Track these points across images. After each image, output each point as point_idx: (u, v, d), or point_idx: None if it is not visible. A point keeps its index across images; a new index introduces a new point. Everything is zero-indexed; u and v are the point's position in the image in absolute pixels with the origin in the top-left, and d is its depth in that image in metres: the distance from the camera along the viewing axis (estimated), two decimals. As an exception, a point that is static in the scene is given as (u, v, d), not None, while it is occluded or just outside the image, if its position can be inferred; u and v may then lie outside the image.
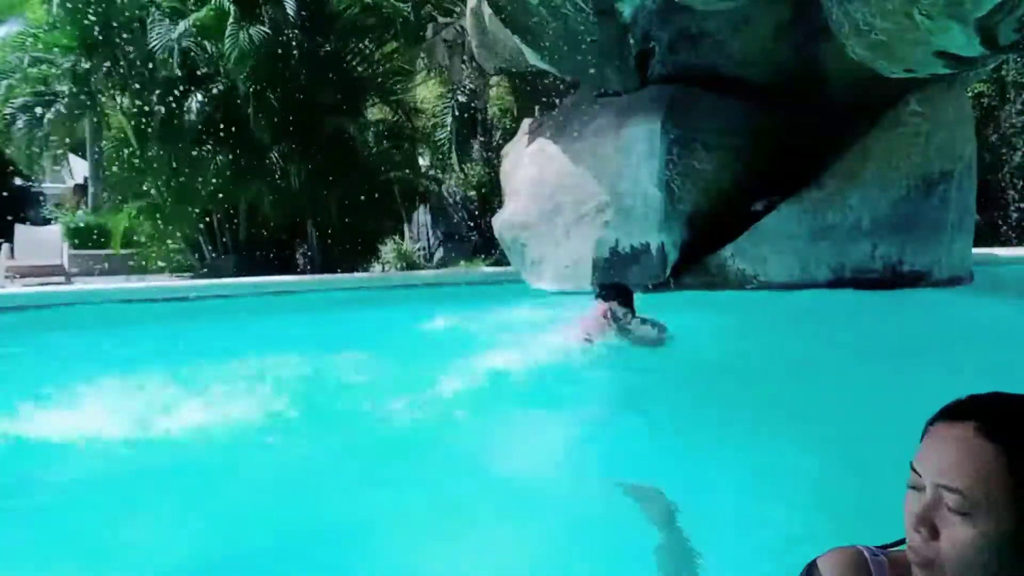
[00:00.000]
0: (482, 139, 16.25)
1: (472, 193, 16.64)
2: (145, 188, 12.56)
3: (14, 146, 13.03)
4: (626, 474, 2.74)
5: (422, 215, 17.30)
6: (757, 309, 7.21)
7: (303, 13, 11.72)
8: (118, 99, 12.48)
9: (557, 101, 10.45)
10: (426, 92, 16.48)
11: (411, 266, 14.58)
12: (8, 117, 12.49)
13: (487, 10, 9.52)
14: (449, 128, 15.61)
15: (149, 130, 11.88)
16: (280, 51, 11.53)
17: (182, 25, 11.19)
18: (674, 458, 2.85)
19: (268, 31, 11.23)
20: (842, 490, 2.49)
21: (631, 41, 8.65)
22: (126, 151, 12.55)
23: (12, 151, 13.63)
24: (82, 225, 17.16)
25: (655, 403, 3.91)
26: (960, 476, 0.89)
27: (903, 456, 0.95)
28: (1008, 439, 0.89)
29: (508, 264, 9.96)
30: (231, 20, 11.04)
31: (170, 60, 11.22)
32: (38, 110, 12.11)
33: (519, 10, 8.62)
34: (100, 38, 11.56)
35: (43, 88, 12.29)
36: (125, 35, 11.51)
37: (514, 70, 11.45)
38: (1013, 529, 0.87)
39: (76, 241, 16.26)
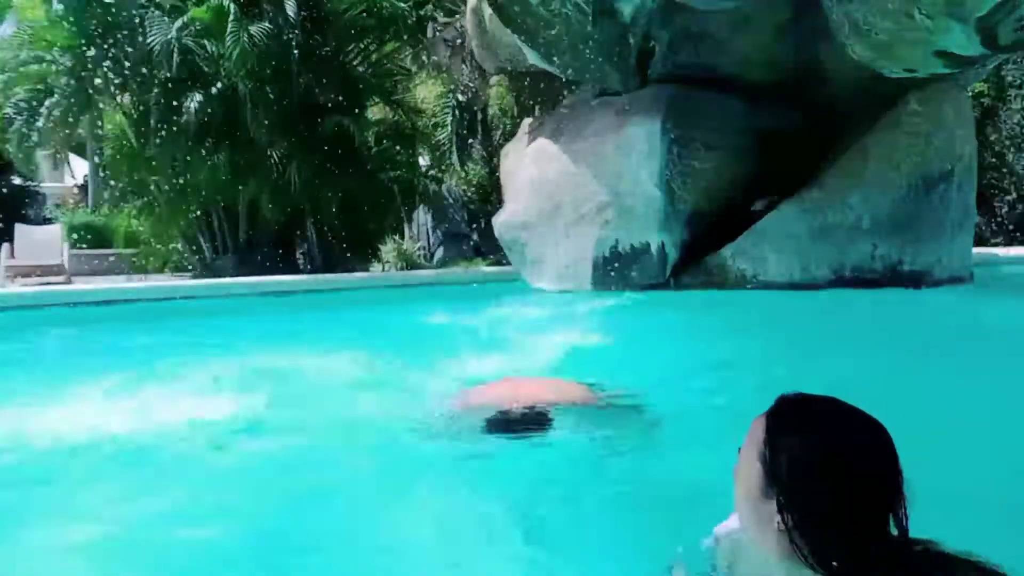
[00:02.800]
0: (482, 139, 16.26)
1: (472, 193, 16.66)
2: (145, 187, 12.57)
3: (12, 144, 13.01)
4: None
5: (422, 215, 17.33)
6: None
7: (303, 13, 11.72)
8: (118, 98, 12.48)
9: (557, 101, 10.46)
10: (426, 92, 16.48)
11: (411, 266, 14.60)
12: (8, 117, 12.48)
13: (487, 10, 9.53)
14: (449, 128, 15.63)
15: (148, 129, 11.88)
16: (280, 50, 11.53)
17: (179, 22, 11.19)
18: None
19: (269, 27, 11.22)
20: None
21: (631, 41, 8.65)
22: (126, 150, 12.56)
23: (11, 150, 13.60)
24: (82, 225, 17.20)
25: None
26: (743, 446, 1.22)
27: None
28: (773, 420, 1.19)
29: (508, 264, 9.97)
30: (232, 19, 11.04)
31: (170, 59, 11.20)
32: (37, 108, 12.10)
33: (519, 10, 8.62)
34: (99, 37, 11.55)
35: (42, 86, 12.29)
36: (124, 33, 11.50)
37: (514, 70, 11.45)
38: (756, 481, 1.17)
39: (76, 241, 16.28)
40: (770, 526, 1.15)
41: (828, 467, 1.11)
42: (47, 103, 12.07)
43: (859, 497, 1.11)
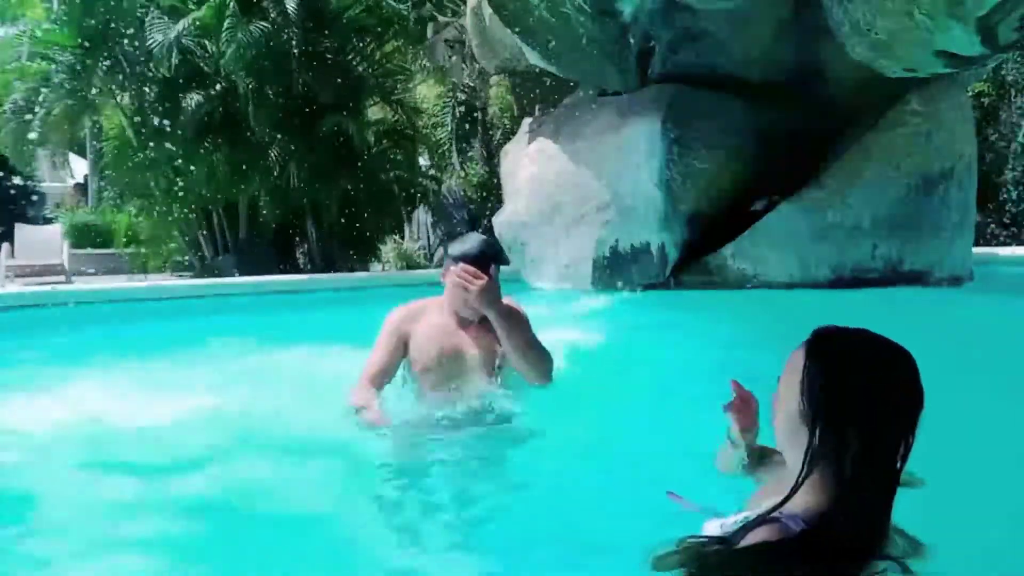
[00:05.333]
0: (482, 139, 16.27)
1: (472, 193, 16.67)
2: (145, 187, 12.57)
3: (11, 143, 13.01)
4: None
5: (422, 214, 17.33)
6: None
7: (303, 13, 11.71)
8: (118, 97, 12.48)
9: (557, 101, 10.46)
10: (426, 92, 16.50)
11: (411, 265, 14.61)
12: (7, 115, 12.49)
13: (487, 10, 9.53)
14: (449, 128, 15.65)
15: (148, 129, 11.88)
16: (280, 49, 11.53)
17: (181, 24, 11.19)
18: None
19: (268, 26, 11.22)
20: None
21: (631, 41, 8.65)
22: (126, 150, 12.56)
23: (10, 149, 13.61)
24: (82, 224, 17.21)
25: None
26: (783, 375, 1.32)
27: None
28: (813, 352, 1.28)
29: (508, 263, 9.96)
30: (229, 13, 11.03)
31: (170, 59, 11.21)
32: (36, 106, 12.10)
33: (519, 10, 8.62)
34: (100, 37, 11.56)
35: (42, 85, 12.28)
36: (124, 33, 11.50)
37: (514, 70, 11.45)
38: (796, 408, 1.27)
39: (76, 240, 16.30)
40: (800, 449, 1.25)
41: (865, 395, 1.22)
42: (47, 102, 12.07)
43: (889, 426, 1.21)
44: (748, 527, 1.26)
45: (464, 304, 3.08)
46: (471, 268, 2.98)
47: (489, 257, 3.07)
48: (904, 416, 1.23)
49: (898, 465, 1.24)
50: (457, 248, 3.09)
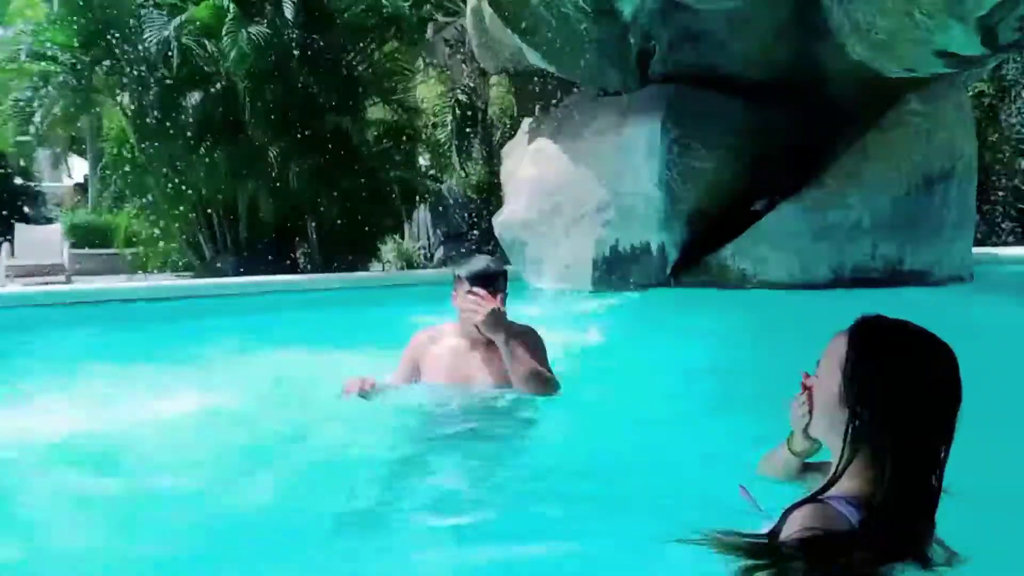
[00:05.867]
0: (482, 139, 16.26)
1: (472, 193, 16.67)
2: (145, 187, 12.57)
3: (11, 143, 13.02)
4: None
5: (422, 214, 17.33)
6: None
7: (303, 13, 11.71)
8: (118, 97, 12.48)
9: (557, 101, 10.46)
10: (426, 92, 16.48)
11: (411, 265, 14.62)
12: (7, 115, 12.49)
13: (487, 10, 9.53)
14: (449, 128, 15.62)
15: (148, 128, 11.88)
16: (280, 50, 11.52)
17: (177, 20, 11.17)
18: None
19: (268, 31, 11.21)
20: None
21: (631, 40, 8.65)
22: (126, 149, 12.56)
23: (8, 148, 13.62)
24: (82, 224, 17.22)
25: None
26: (822, 360, 1.38)
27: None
28: (855, 338, 1.35)
29: (509, 264, 9.97)
30: (230, 17, 11.03)
31: (167, 58, 11.20)
32: (36, 106, 12.10)
33: (519, 10, 8.62)
34: (98, 35, 11.56)
35: (41, 85, 12.28)
36: (123, 32, 11.50)
37: (514, 70, 11.44)
38: (835, 391, 1.32)
39: (76, 240, 16.30)
40: (840, 433, 1.29)
41: (902, 380, 1.26)
42: (46, 101, 12.06)
43: (926, 412, 1.25)
44: (793, 506, 1.29)
45: (472, 325, 3.20)
46: (482, 292, 3.07)
47: (496, 275, 3.19)
48: (941, 404, 1.27)
49: (940, 456, 1.27)
50: (464, 268, 3.21)
